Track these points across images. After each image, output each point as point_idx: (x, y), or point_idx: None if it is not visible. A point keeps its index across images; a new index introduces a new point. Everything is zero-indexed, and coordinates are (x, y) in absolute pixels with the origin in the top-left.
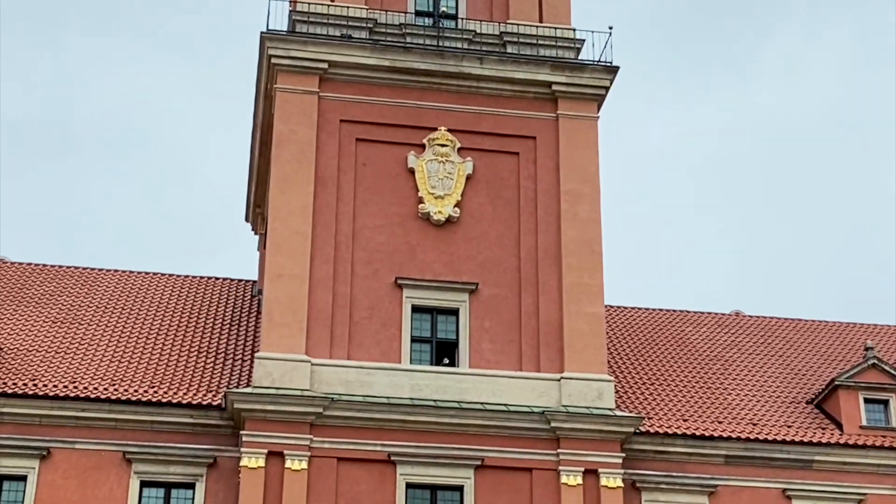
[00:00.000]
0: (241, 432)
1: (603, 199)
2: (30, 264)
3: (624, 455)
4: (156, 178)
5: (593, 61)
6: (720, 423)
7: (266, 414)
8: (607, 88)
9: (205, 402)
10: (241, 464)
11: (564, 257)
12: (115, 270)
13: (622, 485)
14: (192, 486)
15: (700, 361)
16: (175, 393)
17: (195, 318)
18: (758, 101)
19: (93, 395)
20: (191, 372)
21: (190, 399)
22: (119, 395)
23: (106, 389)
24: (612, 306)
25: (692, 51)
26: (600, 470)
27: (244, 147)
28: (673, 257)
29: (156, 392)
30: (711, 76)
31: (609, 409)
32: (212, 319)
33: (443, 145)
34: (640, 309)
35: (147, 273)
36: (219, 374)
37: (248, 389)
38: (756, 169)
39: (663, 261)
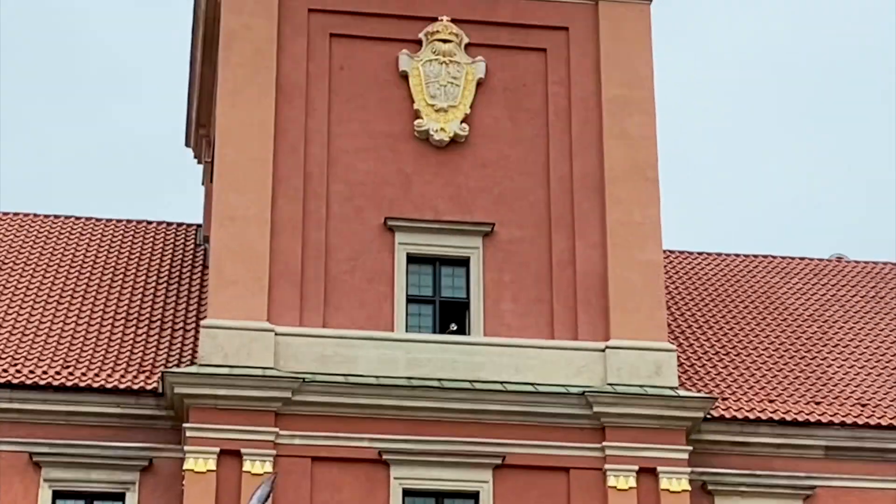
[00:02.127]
0: (185, 425)
1: (659, 111)
2: None
3: (691, 448)
4: (71, 93)
5: None
6: (818, 404)
7: (217, 401)
8: None
9: (136, 387)
10: (184, 467)
11: (608, 187)
12: (14, 214)
13: (689, 488)
14: (120, 496)
15: (791, 322)
16: (97, 375)
17: (121, 276)
18: None
19: None
20: (117, 347)
21: (116, 382)
22: (23, 379)
23: (6, 371)
24: (671, 251)
25: None
26: (659, 468)
27: (184, 52)
28: (754, 188)
29: (71, 374)
30: None
31: (671, 388)
32: (143, 276)
33: (445, 41)
34: (709, 255)
35: (57, 217)
36: (154, 349)
37: (193, 369)
38: (864, 78)
39: (741, 193)
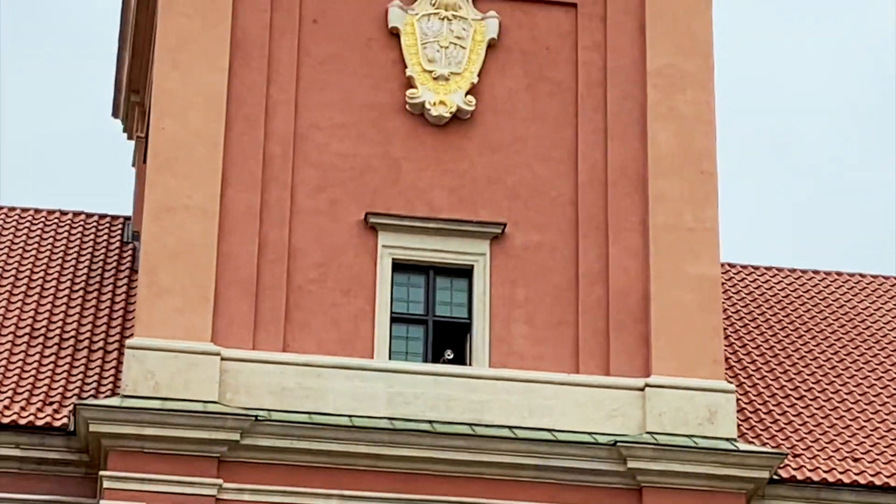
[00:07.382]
0: (101, 473)
1: (719, 87)
2: None
3: None
4: None
5: None
6: None
7: (143, 443)
8: None
9: (40, 423)
10: None
11: (653, 181)
12: None
13: None
14: None
15: (885, 359)
16: None
17: (26, 280)
18: None
19: None
20: (17, 371)
21: (15, 417)
22: None
23: None
24: (731, 265)
25: None
26: None
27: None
28: (837, 186)
29: None
30: None
31: (727, 440)
32: (53, 282)
33: None
34: (779, 270)
35: None
36: (65, 375)
37: (114, 401)
38: None
39: (821, 192)
